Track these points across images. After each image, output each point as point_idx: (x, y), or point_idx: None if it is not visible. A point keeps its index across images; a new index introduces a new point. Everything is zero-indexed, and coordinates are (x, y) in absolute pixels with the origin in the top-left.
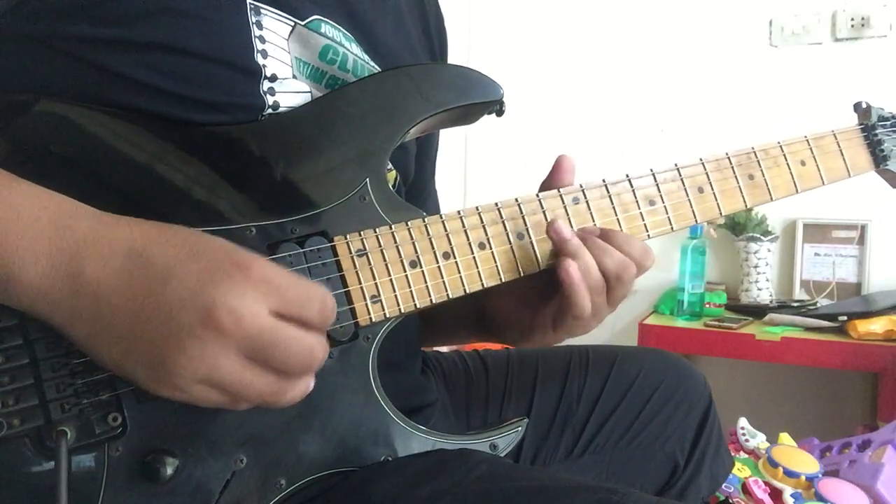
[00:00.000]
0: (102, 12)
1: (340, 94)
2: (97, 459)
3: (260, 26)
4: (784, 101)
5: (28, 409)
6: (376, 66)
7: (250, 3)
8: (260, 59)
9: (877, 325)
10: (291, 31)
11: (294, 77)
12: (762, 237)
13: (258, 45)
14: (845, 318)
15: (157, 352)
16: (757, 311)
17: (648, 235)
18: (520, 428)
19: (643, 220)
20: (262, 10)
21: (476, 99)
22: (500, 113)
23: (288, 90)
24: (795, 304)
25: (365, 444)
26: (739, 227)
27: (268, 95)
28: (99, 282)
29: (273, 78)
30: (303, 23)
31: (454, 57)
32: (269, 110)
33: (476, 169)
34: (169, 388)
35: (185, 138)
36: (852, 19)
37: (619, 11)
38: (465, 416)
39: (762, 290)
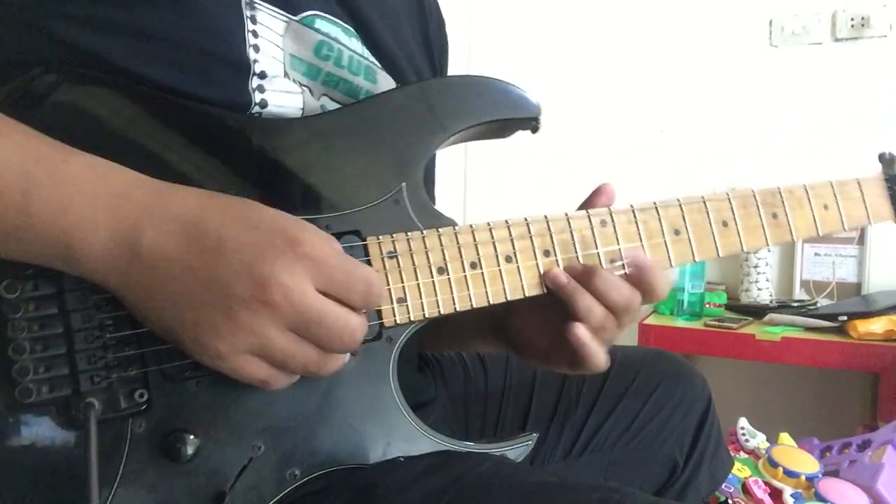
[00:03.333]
0: None
1: (384, 98)
2: (120, 434)
3: (254, 21)
4: (784, 102)
5: (58, 379)
6: (376, 62)
7: None
8: (252, 54)
9: (877, 325)
10: (286, 28)
11: (285, 75)
12: None
13: (251, 40)
14: (845, 318)
15: (209, 318)
16: (757, 311)
17: (671, 264)
18: (530, 442)
19: (667, 249)
20: (256, 5)
21: (514, 114)
22: (535, 129)
23: (277, 89)
24: (795, 304)
25: (379, 443)
26: None
27: (256, 93)
28: (155, 249)
29: (262, 75)
30: (297, 18)
31: (454, 58)
32: (257, 107)
33: (476, 167)
34: (212, 357)
35: (226, 127)
36: (852, 19)
37: (618, 11)
38: (463, 416)
39: (762, 290)
